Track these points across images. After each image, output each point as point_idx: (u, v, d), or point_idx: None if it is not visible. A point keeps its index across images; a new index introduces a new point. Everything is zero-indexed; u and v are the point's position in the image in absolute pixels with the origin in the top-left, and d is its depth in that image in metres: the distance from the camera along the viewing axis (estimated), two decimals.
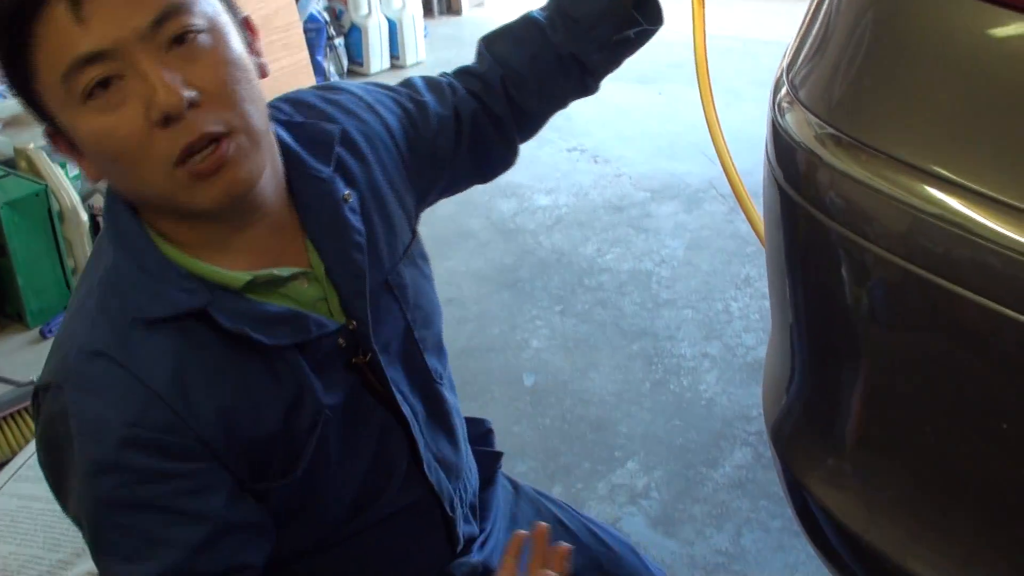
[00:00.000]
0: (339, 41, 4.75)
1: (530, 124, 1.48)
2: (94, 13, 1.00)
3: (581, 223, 3.50)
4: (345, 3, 4.76)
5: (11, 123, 3.36)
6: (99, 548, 1.10)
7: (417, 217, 1.37)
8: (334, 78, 4.58)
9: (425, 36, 5.14)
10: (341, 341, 1.19)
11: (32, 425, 2.39)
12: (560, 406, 2.61)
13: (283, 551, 1.21)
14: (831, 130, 1.05)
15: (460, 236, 3.40)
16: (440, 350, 1.39)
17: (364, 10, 4.77)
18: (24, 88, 1.04)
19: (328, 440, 1.19)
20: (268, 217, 1.16)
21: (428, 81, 1.43)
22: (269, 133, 1.12)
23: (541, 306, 3.05)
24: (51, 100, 1.03)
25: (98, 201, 3.23)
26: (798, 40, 1.17)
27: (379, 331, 1.24)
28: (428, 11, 5.47)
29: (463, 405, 1.45)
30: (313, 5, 4.54)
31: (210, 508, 1.10)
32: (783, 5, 5.23)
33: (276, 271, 1.15)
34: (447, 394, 1.39)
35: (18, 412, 2.49)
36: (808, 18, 1.18)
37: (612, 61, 1.45)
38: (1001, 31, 0.97)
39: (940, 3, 1.02)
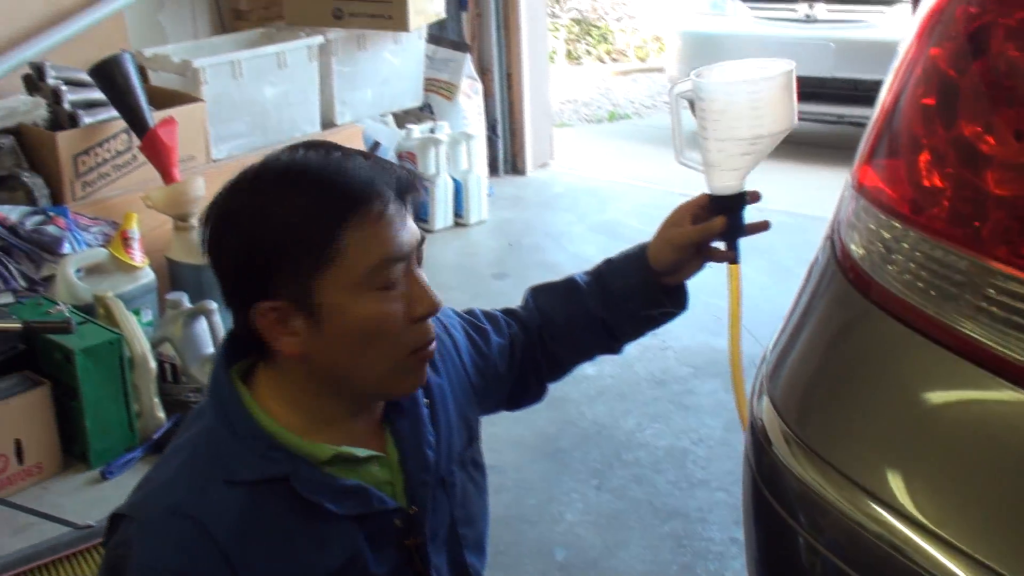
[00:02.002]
0: None
1: (558, 370, 1.70)
2: (406, 220, 1.27)
3: (624, 395, 3.62)
4: (415, 163, 5.00)
5: (92, 271, 3.57)
6: None
7: (475, 428, 1.56)
8: None
9: (489, 195, 5.36)
10: (398, 522, 1.36)
11: (87, 568, 2.54)
12: None
13: None
14: (793, 436, 1.19)
15: None
16: (481, 551, 1.54)
17: (432, 170, 5.01)
18: (301, 273, 1.25)
19: None
20: (375, 408, 1.39)
21: (486, 313, 1.64)
22: None
23: (578, 479, 3.16)
24: (336, 284, 1.24)
25: (167, 350, 3.42)
26: (779, 350, 1.32)
27: (430, 520, 1.40)
28: (493, 170, 5.70)
29: (493, 575, 1.58)
30: None
31: None
32: (836, 180, 5.38)
33: (356, 451, 1.33)
34: None
35: (75, 554, 2.61)
36: (790, 333, 1.33)
37: (637, 331, 1.68)
38: (953, 378, 1.11)
39: (898, 346, 1.16)
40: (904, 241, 1.23)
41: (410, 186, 1.31)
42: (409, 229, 1.29)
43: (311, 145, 1.31)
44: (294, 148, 1.31)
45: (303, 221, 1.24)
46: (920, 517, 1.08)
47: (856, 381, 1.22)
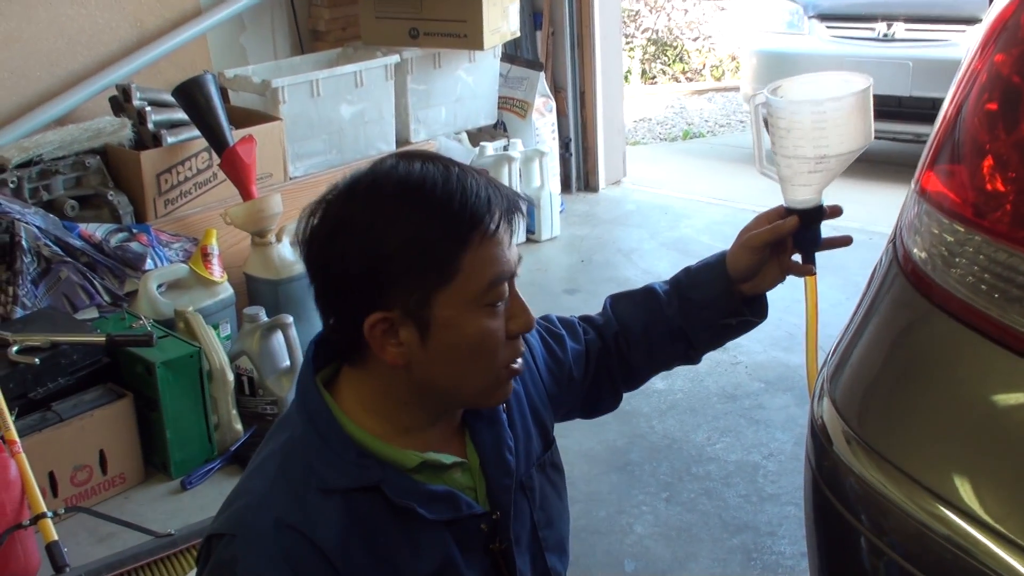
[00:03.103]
0: None
1: (634, 378, 1.71)
2: (513, 239, 1.32)
3: (694, 409, 3.62)
4: None
5: (173, 286, 3.66)
6: None
7: (551, 431, 1.58)
8: None
9: (561, 211, 5.39)
10: (484, 527, 1.38)
11: (168, 575, 2.60)
12: None
13: None
14: (855, 436, 1.19)
15: None
16: (562, 551, 1.56)
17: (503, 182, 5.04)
18: (421, 287, 1.28)
19: None
20: (455, 414, 1.42)
21: (562, 319, 1.67)
22: None
23: (648, 491, 3.16)
24: (452, 300, 1.28)
25: (245, 363, 3.49)
26: (840, 352, 1.33)
27: (513, 524, 1.42)
28: (566, 187, 5.74)
29: None
30: None
31: None
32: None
33: (442, 458, 1.36)
34: None
35: (156, 562, 2.68)
36: (851, 335, 1.34)
37: (715, 341, 1.68)
38: (1017, 379, 1.12)
39: (960, 347, 1.17)
40: (967, 244, 1.23)
41: (517, 206, 1.33)
42: (515, 248, 1.33)
43: (425, 157, 1.32)
44: (407, 158, 1.32)
45: (427, 237, 1.25)
46: (986, 517, 1.09)
47: (918, 382, 1.22)
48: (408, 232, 1.25)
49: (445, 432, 1.41)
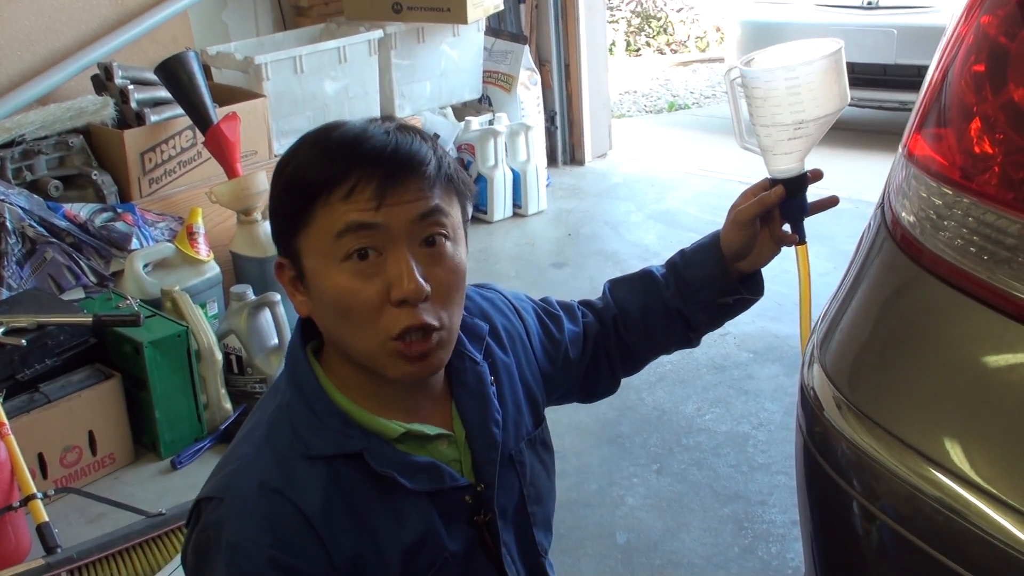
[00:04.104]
0: None
1: (633, 362, 1.72)
2: (386, 195, 1.24)
3: (684, 381, 3.62)
4: (473, 154, 5.03)
5: (160, 266, 3.64)
6: None
7: (542, 409, 1.57)
8: None
9: (548, 185, 5.38)
10: (468, 499, 1.38)
11: (159, 555, 2.59)
12: (650, 566, 2.72)
13: None
14: (845, 400, 1.20)
15: None
16: (548, 528, 1.56)
17: (491, 161, 5.04)
18: (291, 229, 1.28)
19: None
20: (431, 385, 1.39)
21: (561, 302, 1.66)
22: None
23: (639, 463, 3.17)
24: (311, 248, 1.26)
25: (233, 341, 3.48)
26: (830, 318, 1.33)
27: (499, 497, 1.42)
28: (552, 161, 5.72)
29: (556, 559, 1.61)
30: None
31: None
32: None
33: (426, 429, 1.36)
34: (550, 571, 1.56)
35: (148, 542, 2.67)
36: (840, 300, 1.33)
37: (713, 321, 1.69)
38: (1006, 341, 1.11)
39: (953, 310, 1.17)
40: (955, 207, 1.23)
41: (418, 165, 1.27)
42: (404, 208, 1.25)
43: (374, 119, 1.34)
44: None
45: (299, 176, 1.28)
46: (976, 478, 1.09)
47: (907, 346, 1.22)
48: (288, 173, 1.30)
49: (433, 404, 1.41)
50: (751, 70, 1.54)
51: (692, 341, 1.72)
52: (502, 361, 1.48)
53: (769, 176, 1.60)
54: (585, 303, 1.71)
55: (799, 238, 1.62)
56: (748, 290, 1.64)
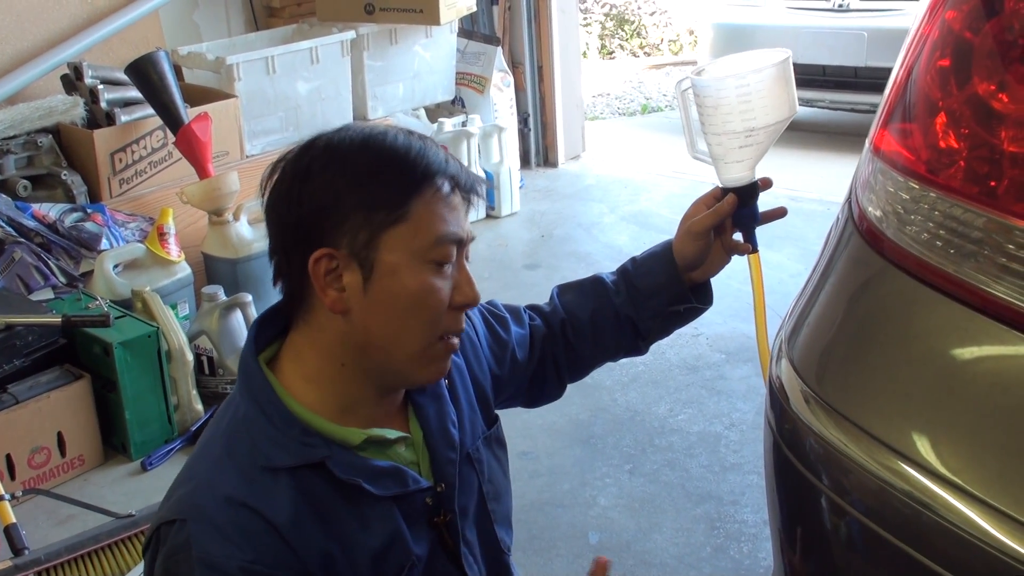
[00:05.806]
0: None
1: (579, 367, 1.72)
2: (468, 213, 1.33)
3: (656, 382, 3.63)
4: None
5: (130, 266, 3.62)
6: None
7: (492, 410, 1.58)
8: None
9: (521, 187, 5.38)
10: (428, 500, 1.38)
11: (129, 557, 2.57)
12: (622, 566, 2.71)
13: None
14: (813, 395, 1.20)
15: None
16: (509, 525, 1.57)
17: (464, 163, 5.03)
18: (373, 223, 1.28)
19: None
20: (398, 392, 1.41)
21: (507, 305, 1.67)
22: None
23: (612, 464, 3.17)
24: (401, 244, 1.28)
25: (204, 343, 3.47)
26: (797, 312, 1.33)
27: (460, 496, 1.43)
28: (525, 163, 5.73)
29: (528, 559, 1.60)
30: None
31: None
32: None
33: (386, 433, 1.35)
34: (515, 569, 1.56)
35: (117, 543, 2.65)
36: (808, 295, 1.34)
37: (662, 329, 1.70)
38: (972, 334, 1.12)
39: (920, 303, 1.17)
40: (922, 202, 1.24)
41: (475, 184, 1.35)
42: (468, 222, 1.35)
43: (383, 127, 1.36)
44: (365, 126, 1.37)
45: (382, 175, 1.28)
46: (943, 470, 1.09)
47: (875, 339, 1.22)
48: (363, 169, 1.28)
49: (388, 409, 1.40)
50: (702, 79, 1.57)
51: (641, 349, 1.72)
52: (453, 362, 1.47)
53: (720, 185, 1.62)
54: (533, 307, 1.71)
55: (751, 247, 1.64)
56: (698, 299, 1.66)
